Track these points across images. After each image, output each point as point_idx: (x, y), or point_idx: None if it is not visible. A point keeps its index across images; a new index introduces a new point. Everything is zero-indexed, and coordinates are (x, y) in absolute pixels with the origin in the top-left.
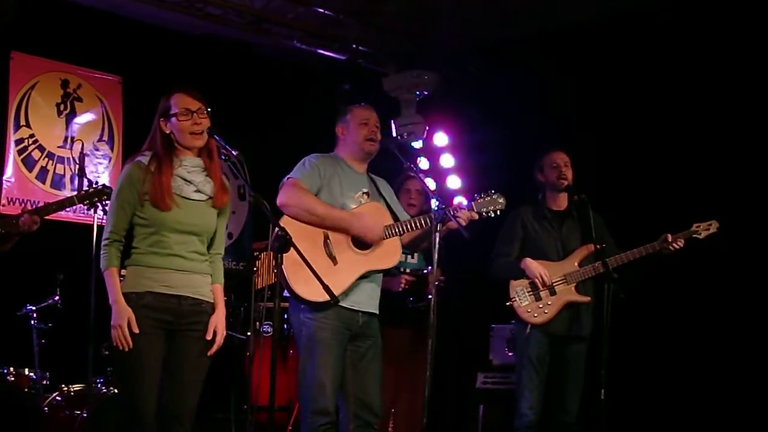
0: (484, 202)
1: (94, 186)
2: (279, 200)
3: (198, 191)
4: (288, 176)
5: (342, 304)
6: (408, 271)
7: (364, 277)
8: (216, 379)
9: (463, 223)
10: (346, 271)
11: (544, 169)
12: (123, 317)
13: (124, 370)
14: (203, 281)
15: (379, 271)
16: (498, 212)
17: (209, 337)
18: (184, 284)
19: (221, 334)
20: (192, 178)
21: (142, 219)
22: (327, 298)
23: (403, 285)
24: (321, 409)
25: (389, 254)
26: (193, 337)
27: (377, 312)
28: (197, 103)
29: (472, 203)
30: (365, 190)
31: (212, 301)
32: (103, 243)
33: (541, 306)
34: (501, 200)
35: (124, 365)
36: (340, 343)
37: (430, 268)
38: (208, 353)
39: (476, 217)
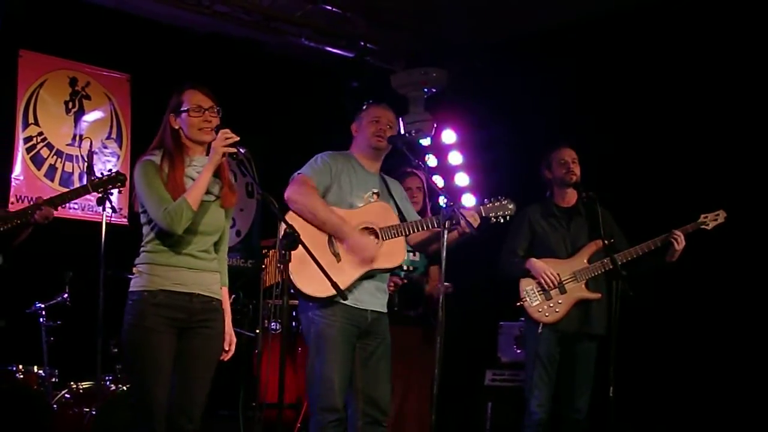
0: (493, 207)
1: (107, 173)
2: (286, 194)
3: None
4: (298, 172)
5: (347, 302)
6: (402, 273)
7: (368, 276)
8: (224, 376)
9: (471, 222)
10: (348, 270)
11: (551, 165)
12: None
13: (136, 368)
14: (213, 279)
15: (382, 271)
16: (507, 218)
17: (227, 347)
18: (194, 282)
19: (234, 342)
20: None
21: None
22: (331, 293)
23: (391, 288)
24: (329, 406)
25: (393, 254)
26: (204, 334)
27: (384, 311)
28: (209, 101)
29: (481, 207)
30: (375, 191)
31: (221, 299)
32: (163, 213)
33: (551, 305)
34: (510, 206)
35: (136, 362)
36: (347, 340)
37: (424, 273)
38: (224, 359)
39: (478, 219)
